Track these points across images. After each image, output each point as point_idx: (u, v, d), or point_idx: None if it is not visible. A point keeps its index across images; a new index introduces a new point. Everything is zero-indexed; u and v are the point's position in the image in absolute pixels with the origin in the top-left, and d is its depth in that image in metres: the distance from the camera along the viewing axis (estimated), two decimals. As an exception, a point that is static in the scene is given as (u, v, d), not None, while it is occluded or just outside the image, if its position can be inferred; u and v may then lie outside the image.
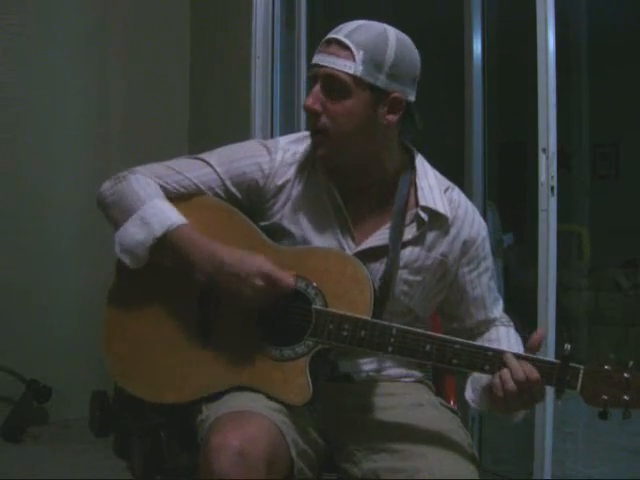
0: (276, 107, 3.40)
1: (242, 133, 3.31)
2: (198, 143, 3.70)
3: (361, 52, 1.43)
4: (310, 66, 1.50)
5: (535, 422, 2.33)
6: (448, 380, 1.77)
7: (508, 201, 4.29)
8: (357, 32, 1.45)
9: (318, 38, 1.51)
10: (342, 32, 1.46)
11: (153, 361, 1.52)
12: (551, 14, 2.29)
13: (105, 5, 3.74)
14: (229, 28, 3.62)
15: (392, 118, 1.48)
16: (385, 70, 1.44)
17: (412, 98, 1.50)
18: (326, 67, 1.45)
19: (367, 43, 1.43)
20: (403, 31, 1.51)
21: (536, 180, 2.30)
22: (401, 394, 1.57)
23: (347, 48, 1.43)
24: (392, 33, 1.47)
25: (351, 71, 1.43)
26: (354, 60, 1.43)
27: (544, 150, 2.29)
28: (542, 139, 2.29)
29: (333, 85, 1.45)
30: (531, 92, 2.32)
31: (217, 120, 3.70)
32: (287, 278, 1.43)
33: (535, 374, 1.33)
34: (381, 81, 1.44)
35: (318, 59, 1.47)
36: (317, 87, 1.47)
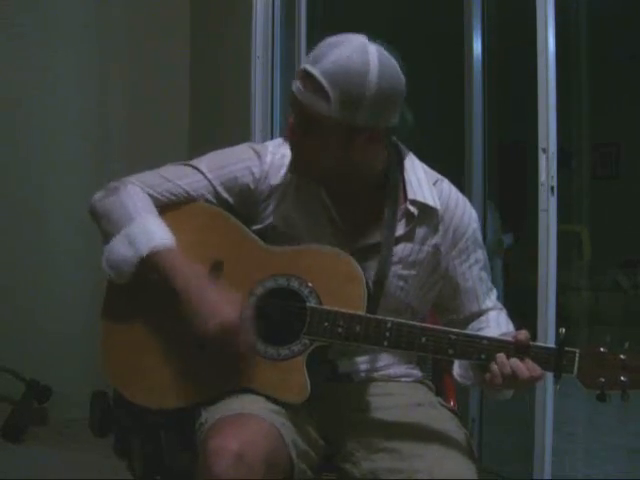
0: (276, 107, 3.40)
1: (242, 133, 3.31)
2: (198, 143, 3.70)
3: (336, 92, 1.38)
4: (291, 91, 1.46)
5: (535, 422, 2.33)
6: (447, 380, 1.77)
7: (508, 201, 4.29)
8: (334, 67, 1.38)
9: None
10: (319, 66, 1.39)
11: (151, 368, 1.52)
12: (551, 14, 2.29)
13: (105, 6, 3.74)
14: (229, 28, 3.62)
15: (370, 147, 1.47)
16: (363, 109, 1.40)
17: (394, 121, 1.46)
18: (301, 103, 1.43)
19: (343, 81, 1.37)
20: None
21: (536, 180, 2.30)
22: (400, 394, 1.57)
23: (321, 87, 1.39)
24: (374, 64, 1.38)
25: (325, 112, 1.40)
26: (328, 101, 1.39)
27: (544, 150, 2.28)
28: (542, 139, 2.29)
29: (307, 122, 1.43)
30: (531, 92, 2.32)
31: (217, 120, 3.70)
32: (251, 336, 1.42)
33: (537, 369, 1.34)
34: (359, 119, 1.41)
35: (296, 89, 1.44)
36: (291, 120, 1.47)
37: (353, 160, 1.48)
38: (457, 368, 1.53)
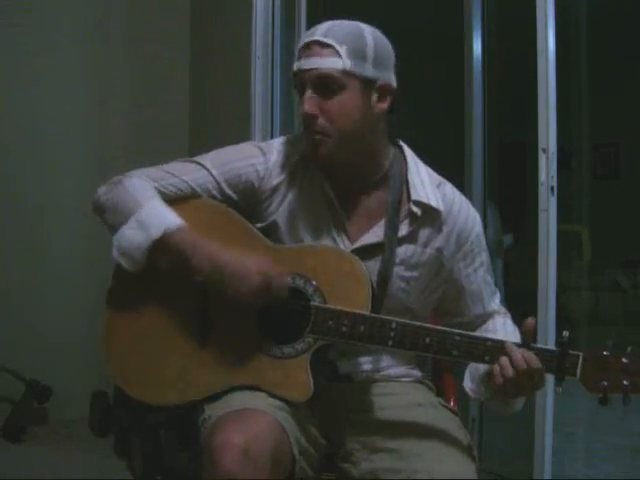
0: (276, 107, 3.40)
1: (242, 133, 3.31)
2: (198, 143, 3.70)
3: (344, 46, 1.45)
4: (294, 74, 1.50)
5: (535, 422, 2.33)
6: (448, 380, 1.77)
7: (508, 201, 4.28)
8: (333, 30, 1.47)
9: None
10: (318, 33, 1.47)
11: (154, 363, 1.52)
12: (551, 14, 2.29)
13: (105, 6, 3.74)
14: (229, 28, 3.62)
15: (382, 106, 1.50)
16: (369, 59, 1.46)
17: (395, 84, 1.52)
18: (313, 69, 1.46)
19: (346, 37, 1.46)
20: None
21: (536, 180, 2.30)
22: (401, 394, 1.57)
23: (329, 46, 1.45)
24: (364, 25, 1.50)
25: (339, 66, 1.45)
26: (339, 55, 1.45)
27: (544, 150, 2.29)
28: (542, 139, 2.29)
29: (325, 84, 1.46)
30: (531, 92, 2.32)
31: (217, 120, 3.70)
32: (282, 277, 1.45)
33: (535, 361, 1.34)
34: (368, 70, 1.46)
35: (302, 64, 1.48)
36: (309, 92, 1.47)
37: (369, 124, 1.50)
38: (468, 382, 1.52)
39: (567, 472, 2.93)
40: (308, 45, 1.48)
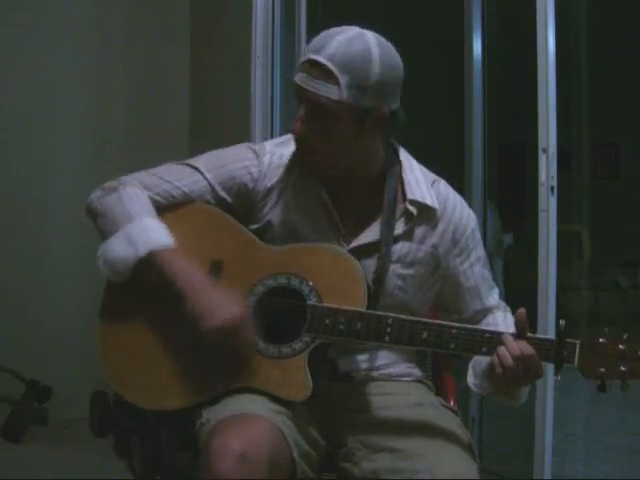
0: (276, 107, 3.41)
1: (242, 133, 3.31)
2: (198, 143, 3.70)
3: (345, 77, 1.40)
4: (295, 84, 1.47)
5: (535, 422, 2.33)
6: (448, 379, 1.77)
7: (508, 201, 4.29)
8: (339, 53, 1.41)
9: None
10: (324, 53, 1.41)
11: (150, 368, 1.52)
12: (551, 14, 2.30)
13: (105, 5, 3.74)
14: (229, 28, 3.62)
15: (377, 131, 1.49)
16: (370, 90, 1.42)
17: (396, 105, 1.49)
18: (310, 92, 1.43)
19: (350, 66, 1.40)
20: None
21: (536, 180, 2.30)
22: (401, 393, 1.57)
23: (330, 72, 1.41)
24: (375, 48, 1.43)
25: (336, 97, 1.42)
26: (338, 86, 1.41)
27: (544, 150, 2.29)
28: (542, 139, 2.30)
29: (318, 110, 1.44)
30: (531, 92, 2.33)
31: (217, 120, 3.71)
32: (249, 332, 1.43)
33: (529, 349, 1.35)
34: (366, 101, 1.43)
35: (301, 80, 1.44)
36: (302, 111, 1.46)
37: (362, 146, 1.49)
38: (472, 377, 1.52)
39: (567, 472, 2.94)
40: (312, 64, 1.43)
